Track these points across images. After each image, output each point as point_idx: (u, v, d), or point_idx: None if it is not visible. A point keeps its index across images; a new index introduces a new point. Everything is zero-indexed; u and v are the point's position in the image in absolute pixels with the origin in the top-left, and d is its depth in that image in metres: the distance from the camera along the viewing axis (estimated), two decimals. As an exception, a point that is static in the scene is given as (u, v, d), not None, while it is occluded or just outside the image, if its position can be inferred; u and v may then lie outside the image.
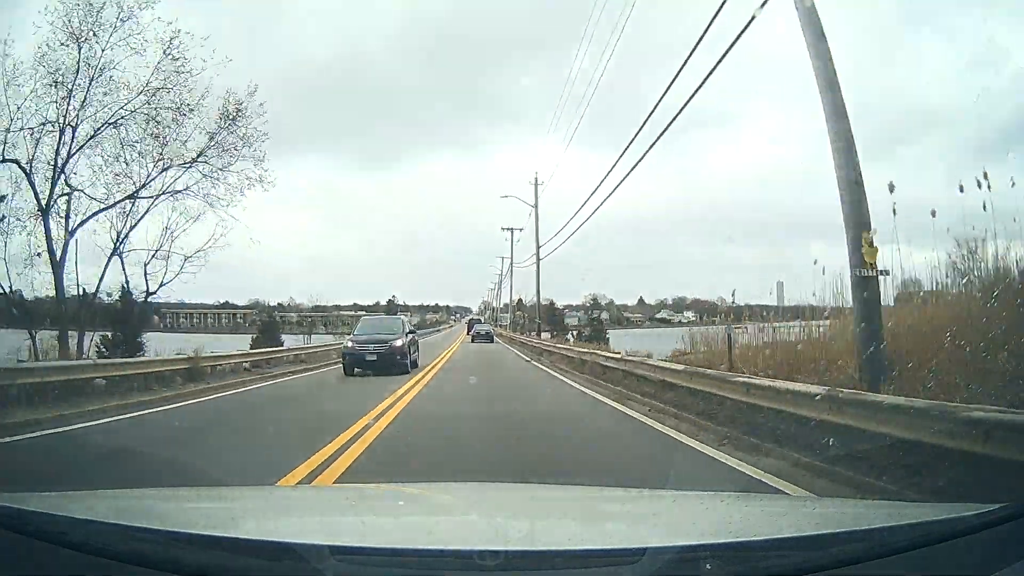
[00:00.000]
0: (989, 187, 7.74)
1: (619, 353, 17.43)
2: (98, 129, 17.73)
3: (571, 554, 1.68)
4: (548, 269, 43.32)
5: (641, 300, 79.25)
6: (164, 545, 1.65)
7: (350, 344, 18.47)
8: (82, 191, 17.99)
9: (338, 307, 76.79)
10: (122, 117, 17.87)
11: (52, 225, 17.26)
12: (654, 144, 14.23)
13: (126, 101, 17.77)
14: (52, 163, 17.20)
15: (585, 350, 22.24)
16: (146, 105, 17.97)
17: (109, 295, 19.34)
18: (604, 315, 77.59)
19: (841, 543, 1.72)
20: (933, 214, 8.78)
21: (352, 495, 3.05)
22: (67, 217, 17.65)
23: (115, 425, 9.22)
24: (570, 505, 2.68)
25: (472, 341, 41.23)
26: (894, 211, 8.60)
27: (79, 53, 17.08)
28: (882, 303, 8.34)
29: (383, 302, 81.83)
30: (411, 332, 20.09)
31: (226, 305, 69.75)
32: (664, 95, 12.75)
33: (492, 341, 41.96)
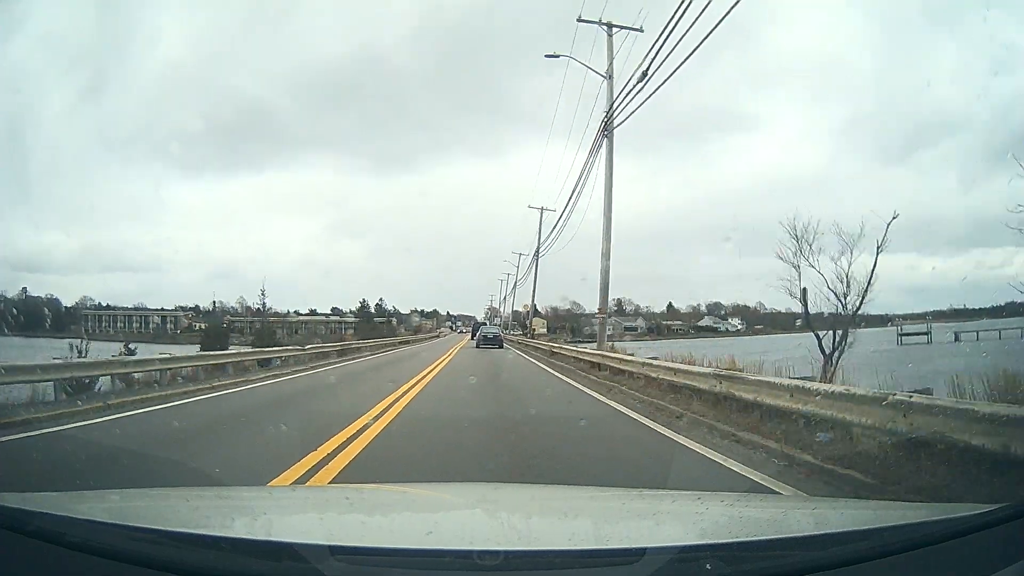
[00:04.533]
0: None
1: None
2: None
3: (571, 554, 1.67)
4: (567, 278, 44.32)
5: (671, 306, 73.16)
6: (164, 545, 1.65)
7: None
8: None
9: (313, 312, 69.43)
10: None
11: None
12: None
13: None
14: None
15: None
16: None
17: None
18: (640, 323, 71.51)
19: (841, 543, 1.72)
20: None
21: (352, 495, 3.04)
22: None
23: None
24: (570, 505, 2.68)
25: (477, 346, 39.88)
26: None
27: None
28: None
29: (373, 307, 74.86)
30: None
31: (195, 309, 66.45)
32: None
33: (501, 346, 39.64)
